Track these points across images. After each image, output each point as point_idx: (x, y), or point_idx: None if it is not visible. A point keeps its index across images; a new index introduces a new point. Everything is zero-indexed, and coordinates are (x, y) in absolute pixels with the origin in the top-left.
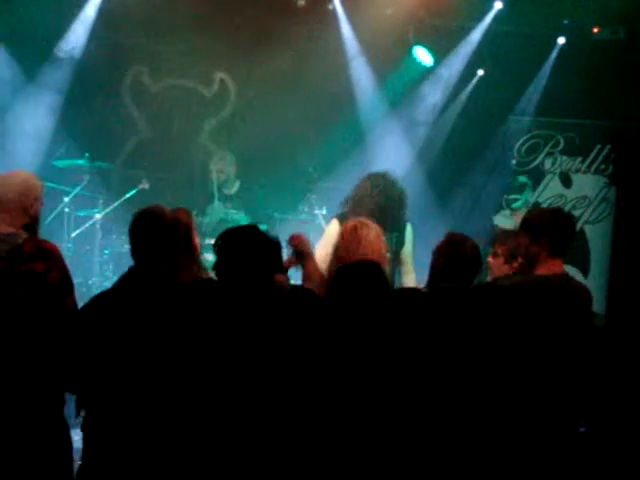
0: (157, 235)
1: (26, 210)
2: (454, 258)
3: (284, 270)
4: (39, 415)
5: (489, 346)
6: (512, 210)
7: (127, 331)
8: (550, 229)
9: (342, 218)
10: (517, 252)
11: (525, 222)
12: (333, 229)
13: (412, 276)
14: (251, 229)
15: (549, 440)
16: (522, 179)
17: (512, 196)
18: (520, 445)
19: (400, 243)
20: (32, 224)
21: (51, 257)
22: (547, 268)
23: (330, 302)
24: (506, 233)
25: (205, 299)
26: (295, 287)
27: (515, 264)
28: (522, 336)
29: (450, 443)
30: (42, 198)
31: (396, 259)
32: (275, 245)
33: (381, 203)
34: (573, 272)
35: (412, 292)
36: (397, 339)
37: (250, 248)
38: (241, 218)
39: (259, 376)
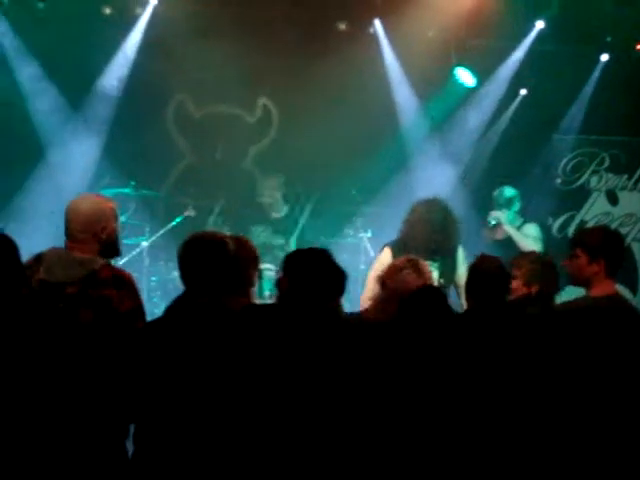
0: (207, 261)
1: (96, 236)
2: (479, 278)
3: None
4: (102, 445)
5: (545, 371)
6: (492, 226)
7: (181, 361)
8: (607, 249)
9: (394, 246)
10: (533, 279)
11: (581, 242)
12: (385, 258)
13: None
14: (321, 253)
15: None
16: (509, 192)
17: (498, 211)
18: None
19: (453, 266)
20: (108, 248)
21: (126, 285)
22: (602, 289)
23: (398, 329)
24: (523, 255)
25: (267, 326)
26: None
27: (533, 289)
28: (578, 362)
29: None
30: (114, 219)
31: (450, 282)
32: (342, 272)
33: (435, 228)
34: (622, 291)
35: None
36: (462, 364)
37: (321, 274)
38: (286, 243)
39: (324, 403)
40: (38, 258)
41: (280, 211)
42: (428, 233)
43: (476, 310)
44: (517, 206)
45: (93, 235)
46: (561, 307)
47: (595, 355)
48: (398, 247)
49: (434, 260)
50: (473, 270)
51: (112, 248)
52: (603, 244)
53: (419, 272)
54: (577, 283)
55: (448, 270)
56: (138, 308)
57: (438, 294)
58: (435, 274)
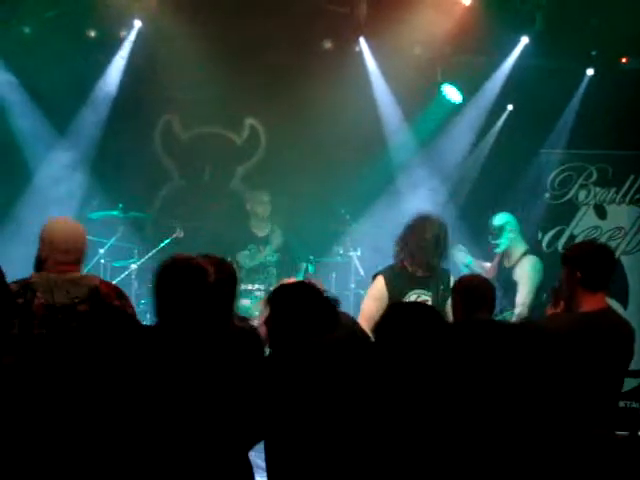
0: (186, 291)
1: (84, 255)
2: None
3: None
4: None
5: (527, 386)
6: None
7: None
8: (584, 262)
9: (386, 273)
10: (559, 296)
11: (563, 257)
12: (378, 284)
13: None
14: (305, 287)
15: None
16: (498, 221)
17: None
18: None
19: (447, 293)
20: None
21: (124, 296)
22: (590, 304)
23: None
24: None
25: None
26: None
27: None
28: (564, 377)
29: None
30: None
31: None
32: (330, 304)
33: (435, 244)
34: (613, 305)
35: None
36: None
37: (304, 309)
38: (275, 262)
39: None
40: (26, 285)
41: (265, 231)
42: (429, 250)
43: (463, 324)
44: (511, 232)
45: (83, 254)
46: (549, 323)
47: (565, 372)
48: (390, 275)
49: (428, 289)
50: (460, 286)
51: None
52: (579, 256)
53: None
54: (565, 295)
55: (440, 296)
56: (135, 315)
57: (429, 309)
58: (429, 301)
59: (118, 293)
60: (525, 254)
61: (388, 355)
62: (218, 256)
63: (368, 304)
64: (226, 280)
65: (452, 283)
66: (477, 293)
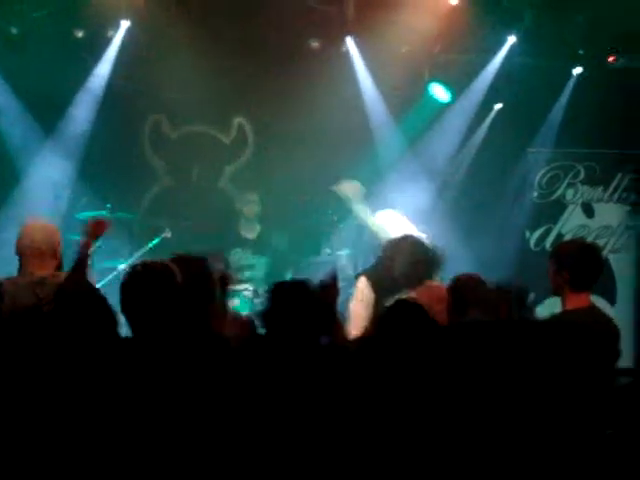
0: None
1: (55, 254)
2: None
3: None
4: None
5: (508, 386)
6: None
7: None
8: (571, 261)
9: (369, 274)
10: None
11: (551, 255)
12: (362, 286)
13: None
14: (302, 286)
15: None
16: None
17: None
18: None
19: None
20: (59, 266)
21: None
22: (573, 302)
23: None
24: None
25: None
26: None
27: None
28: (546, 376)
29: None
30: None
31: None
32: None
33: (419, 270)
34: (600, 303)
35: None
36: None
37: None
38: (264, 262)
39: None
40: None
41: (254, 231)
42: (411, 273)
43: (459, 325)
44: None
45: (53, 253)
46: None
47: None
48: (374, 276)
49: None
50: (454, 286)
51: (61, 266)
52: (567, 255)
53: None
54: (554, 294)
55: None
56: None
57: (417, 308)
58: None
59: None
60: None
61: (389, 351)
62: (190, 255)
63: (354, 307)
64: (196, 279)
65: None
66: (469, 293)
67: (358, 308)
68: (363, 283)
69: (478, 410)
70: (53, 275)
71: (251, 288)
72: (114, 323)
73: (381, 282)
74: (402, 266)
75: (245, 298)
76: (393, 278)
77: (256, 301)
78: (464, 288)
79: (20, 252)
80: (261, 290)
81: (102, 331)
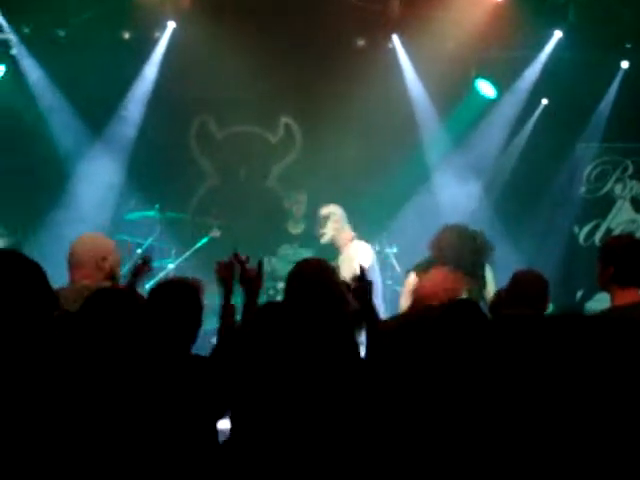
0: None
1: (99, 266)
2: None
3: None
4: None
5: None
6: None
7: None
8: (617, 256)
9: (419, 269)
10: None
11: (599, 250)
12: (412, 282)
13: None
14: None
15: None
16: (324, 211)
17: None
18: None
19: (483, 286)
20: (111, 279)
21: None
22: (621, 298)
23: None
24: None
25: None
26: None
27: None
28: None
29: None
30: (115, 255)
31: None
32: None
33: (465, 256)
34: None
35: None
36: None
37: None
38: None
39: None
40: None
41: (300, 228)
42: (457, 260)
43: (514, 318)
44: (336, 223)
45: (96, 265)
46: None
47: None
48: (424, 270)
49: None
50: (514, 281)
51: (114, 279)
52: (612, 250)
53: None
54: (602, 290)
55: (476, 290)
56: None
57: (473, 305)
58: (464, 294)
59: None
60: (352, 240)
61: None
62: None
63: (404, 302)
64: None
65: (490, 277)
66: (520, 289)
67: (405, 302)
68: (413, 279)
69: (528, 406)
70: (97, 285)
71: None
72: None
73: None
74: (451, 257)
75: None
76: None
77: None
78: (522, 283)
79: (70, 264)
80: None
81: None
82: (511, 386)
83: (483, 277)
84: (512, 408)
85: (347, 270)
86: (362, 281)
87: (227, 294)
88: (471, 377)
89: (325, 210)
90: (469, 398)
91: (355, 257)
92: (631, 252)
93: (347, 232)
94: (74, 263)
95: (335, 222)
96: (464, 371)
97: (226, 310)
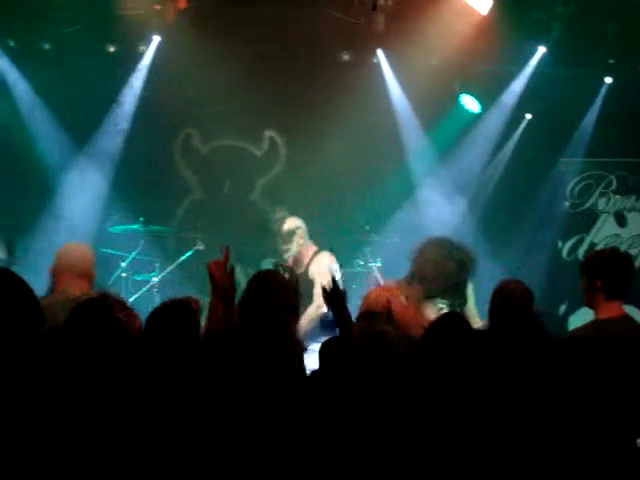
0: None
1: (89, 276)
2: (505, 304)
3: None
4: None
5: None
6: None
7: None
8: (604, 270)
9: (402, 282)
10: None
11: (582, 265)
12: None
13: (478, 325)
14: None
15: None
16: (289, 225)
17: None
18: None
19: (462, 300)
20: (91, 285)
21: (127, 308)
22: (606, 311)
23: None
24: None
25: None
26: None
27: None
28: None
29: None
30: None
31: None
32: None
33: (445, 270)
34: (633, 312)
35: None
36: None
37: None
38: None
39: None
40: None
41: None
42: (438, 275)
43: (498, 331)
44: (300, 238)
45: (88, 275)
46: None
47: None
48: (407, 284)
49: (443, 297)
50: (498, 293)
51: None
52: (599, 264)
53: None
54: (587, 304)
55: (457, 305)
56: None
57: (460, 319)
58: (445, 309)
59: (122, 305)
60: (317, 253)
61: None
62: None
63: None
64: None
65: (470, 292)
66: (504, 301)
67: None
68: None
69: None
70: (86, 294)
71: None
72: None
73: (412, 290)
74: (429, 271)
75: None
76: (422, 284)
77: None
78: (508, 294)
79: (56, 273)
80: None
81: None
82: (496, 402)
83: (464, 292)
84: (500, 420)
85: (319, 281)
86: (335, 289)
87: (214, 293)
88: (458, 389)
89: (290, 224)
90: (452, 412)
91: (324, 268)
92: (616, 265)
93: (311, 246)
94: (68, 273)
95: (300, 237)
96: (451, 383)
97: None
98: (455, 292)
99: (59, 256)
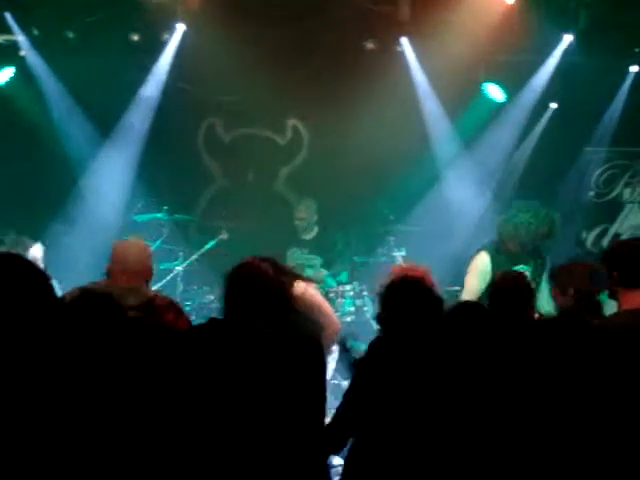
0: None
1: (148, 273)
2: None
3: None
4: None
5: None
6: None
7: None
8: (620, 260)
9: (489, 248)
10: (568, 284)
11: (604, 255)
12: (485, 259)
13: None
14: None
15: None
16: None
17: None
18: None
19: (544, 267)
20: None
21: (180, 311)
22: (628, 302)
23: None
24: (562, 266)
25: None
26: None
27: (569, 296)
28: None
29: None
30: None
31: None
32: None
33: (538, 232)
34: None
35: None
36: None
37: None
38: (320, 262)
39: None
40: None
41: (310, 233)
42: (531, 237)
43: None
44: None
45: (147, 273)
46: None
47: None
48: (494, 249)
49: (527, 264)
50: (495, 286)
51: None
52: (615, 256)
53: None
54: (609, 296)
55: (538, 274)
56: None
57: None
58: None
59: (173, 307)
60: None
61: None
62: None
63: (472, 280)
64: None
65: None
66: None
67: (473, 280)
68: (484, 257)
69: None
70: (140, 288)
71: (355, 289)
72: None
73: (498, 256)
74: (523, 237)
75: (350, 298)
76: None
77: (358, 301)
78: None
79: (111, 272)
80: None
81: None
82: (518, 391)
83: (545, 264)
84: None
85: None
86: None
87: None
88: (477, 378)
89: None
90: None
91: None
92: (632, 255)
93: None
94: (125, 273)
95: None
96: (470, 372)
97: None
98: (535, 257)
99: (114, 253)
